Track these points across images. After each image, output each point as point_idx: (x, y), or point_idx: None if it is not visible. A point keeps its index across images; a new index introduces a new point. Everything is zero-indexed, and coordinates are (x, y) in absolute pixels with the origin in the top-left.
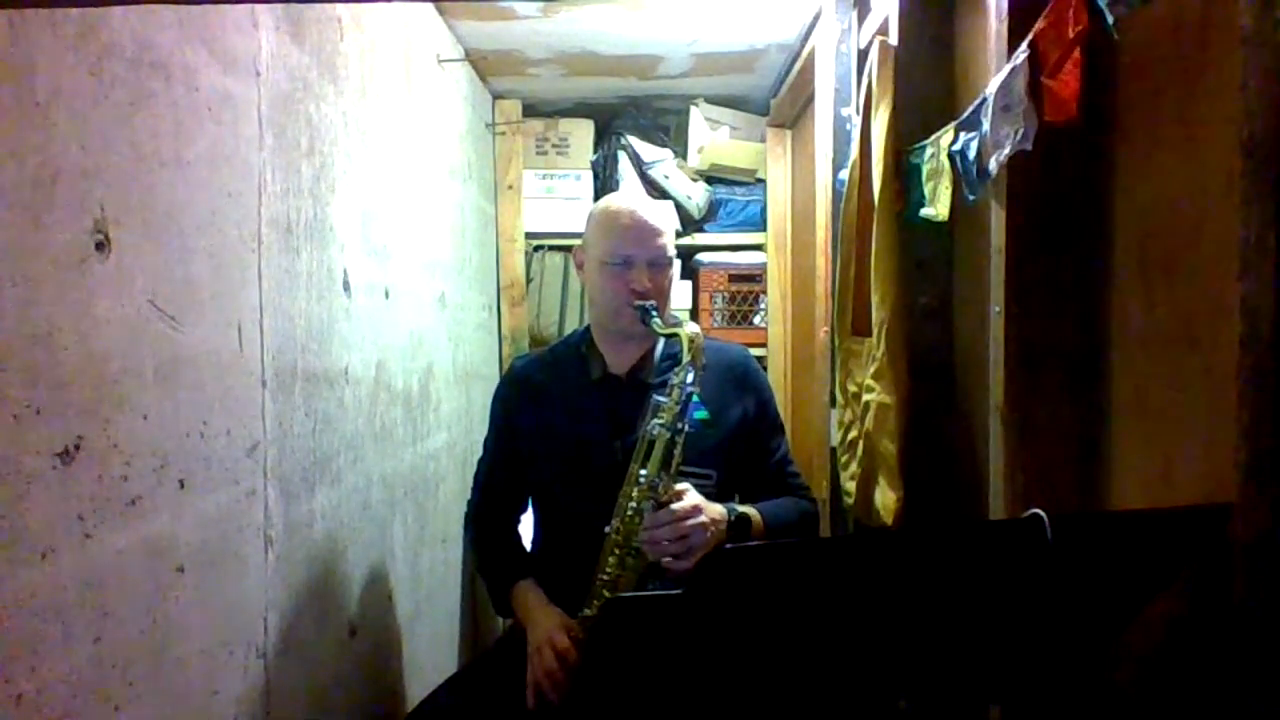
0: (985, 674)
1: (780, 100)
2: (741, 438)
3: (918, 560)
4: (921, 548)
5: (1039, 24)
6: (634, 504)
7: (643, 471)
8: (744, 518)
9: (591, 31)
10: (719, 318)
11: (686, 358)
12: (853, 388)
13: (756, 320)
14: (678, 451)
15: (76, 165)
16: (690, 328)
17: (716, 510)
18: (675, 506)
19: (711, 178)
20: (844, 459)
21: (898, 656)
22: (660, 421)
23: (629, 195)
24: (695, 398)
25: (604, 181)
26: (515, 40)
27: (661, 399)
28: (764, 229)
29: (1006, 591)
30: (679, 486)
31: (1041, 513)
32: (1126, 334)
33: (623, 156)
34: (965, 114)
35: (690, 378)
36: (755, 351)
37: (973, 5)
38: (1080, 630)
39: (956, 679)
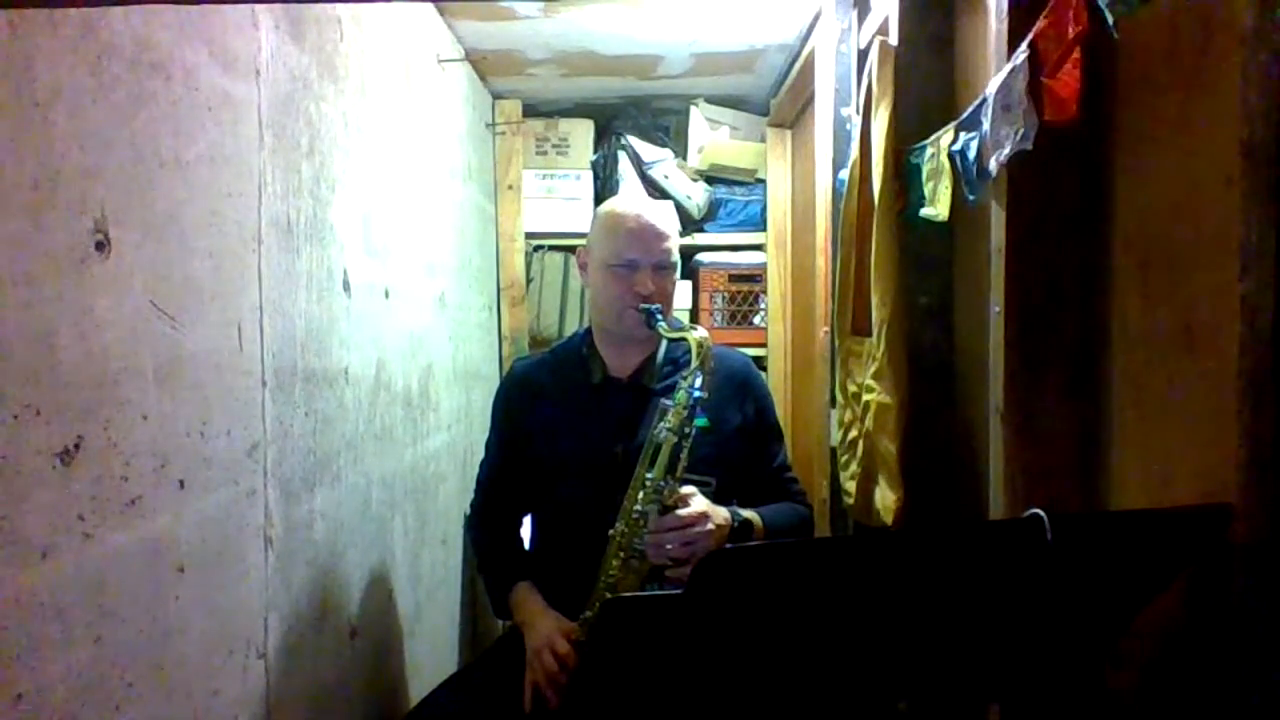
0: (985, 674)
1: (780, 100)
2: (740, 445)
3: (917, 560)
4: (921, 548)
5: (1039, 24)
6: (639, 507)
7: (649, 475)
8: (746, 523)
9: (591, 31)
10: (719, 318)
11: (695, 363)
12: (853, 388)
13: (756, 320)
14: (684, 456)
15: (76, 165)
16: (699, 333)
17: (721, 515)
18: (681, 512)
19: (711, 178)
20: (844, 459)
21: (897, 657)
22: (667, 426)
23: (634, 199)
24: None
25: (604, 181)
26: (515, 40)
27: (669, 403)
28: (764, 229)
29: (1006, 591)
30: (684, 490)
31: (1041, 513)
32: (1126, 334)
33: (623, 156)
34: (965, 114)
35: (699, 382)
36: (755, 352)
37: (973, 5)
38: (1080, 630)
39: (956, 679)
